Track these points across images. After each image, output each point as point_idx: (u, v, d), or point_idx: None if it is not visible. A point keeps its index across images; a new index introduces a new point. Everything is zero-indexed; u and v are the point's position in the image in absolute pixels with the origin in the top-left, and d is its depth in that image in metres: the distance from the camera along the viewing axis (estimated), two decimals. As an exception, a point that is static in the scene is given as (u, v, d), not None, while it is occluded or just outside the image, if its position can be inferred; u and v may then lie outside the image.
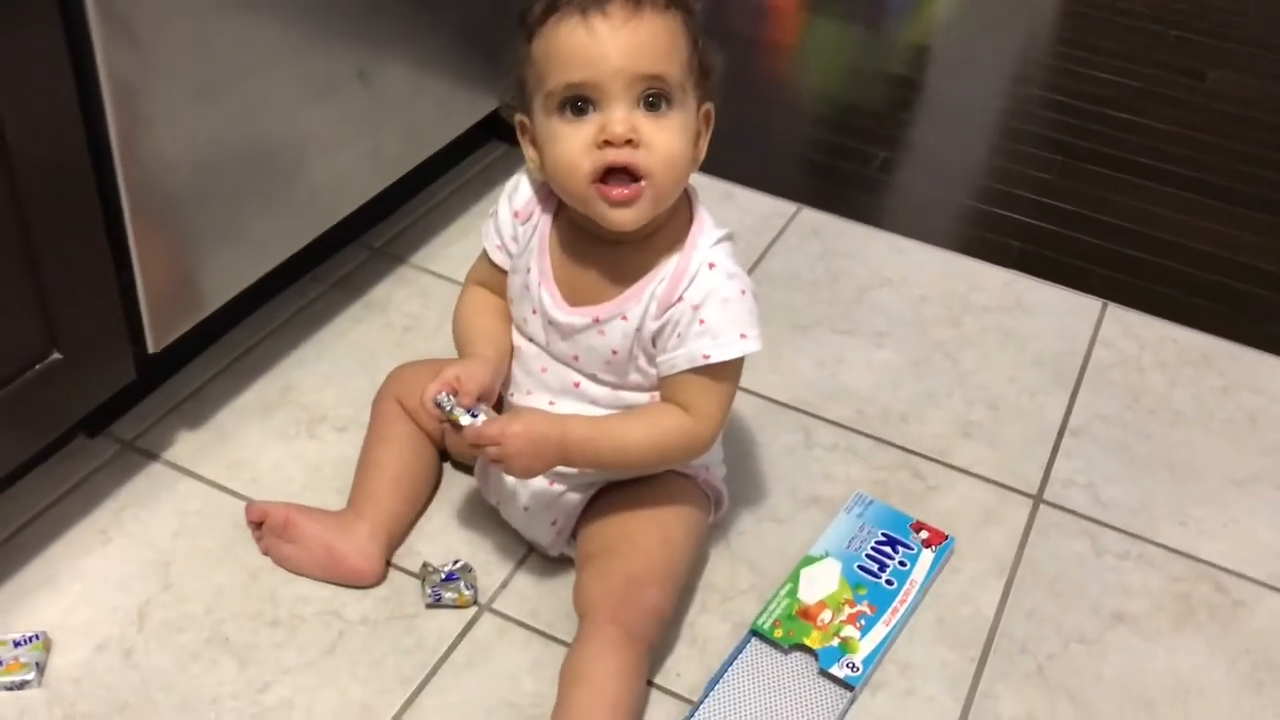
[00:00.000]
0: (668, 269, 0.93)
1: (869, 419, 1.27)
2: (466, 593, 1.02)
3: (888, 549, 1.09)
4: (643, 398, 0.97)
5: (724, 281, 0.92)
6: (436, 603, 1.02)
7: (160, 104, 0.98)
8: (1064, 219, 1.64)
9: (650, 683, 0.98)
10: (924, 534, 1.11)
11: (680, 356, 0.92)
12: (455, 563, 1.04)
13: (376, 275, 1.39)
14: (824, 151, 1.77)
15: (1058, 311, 1.45)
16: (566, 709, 0.90)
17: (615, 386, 0.97)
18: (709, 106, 0.93)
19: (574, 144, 0.87)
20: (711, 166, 1.63)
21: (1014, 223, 1.63)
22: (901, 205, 1.67)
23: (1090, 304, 1.47)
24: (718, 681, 0.97)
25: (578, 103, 0.86)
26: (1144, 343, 1.42)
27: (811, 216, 1.57)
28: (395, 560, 1.06)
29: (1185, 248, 1.60)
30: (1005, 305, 1.45)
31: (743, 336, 0.92)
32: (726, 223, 1.55)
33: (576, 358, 0.96)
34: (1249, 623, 1.09)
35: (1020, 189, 1.70)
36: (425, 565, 1.04)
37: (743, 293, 0.93)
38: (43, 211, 0.90)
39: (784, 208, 1.59)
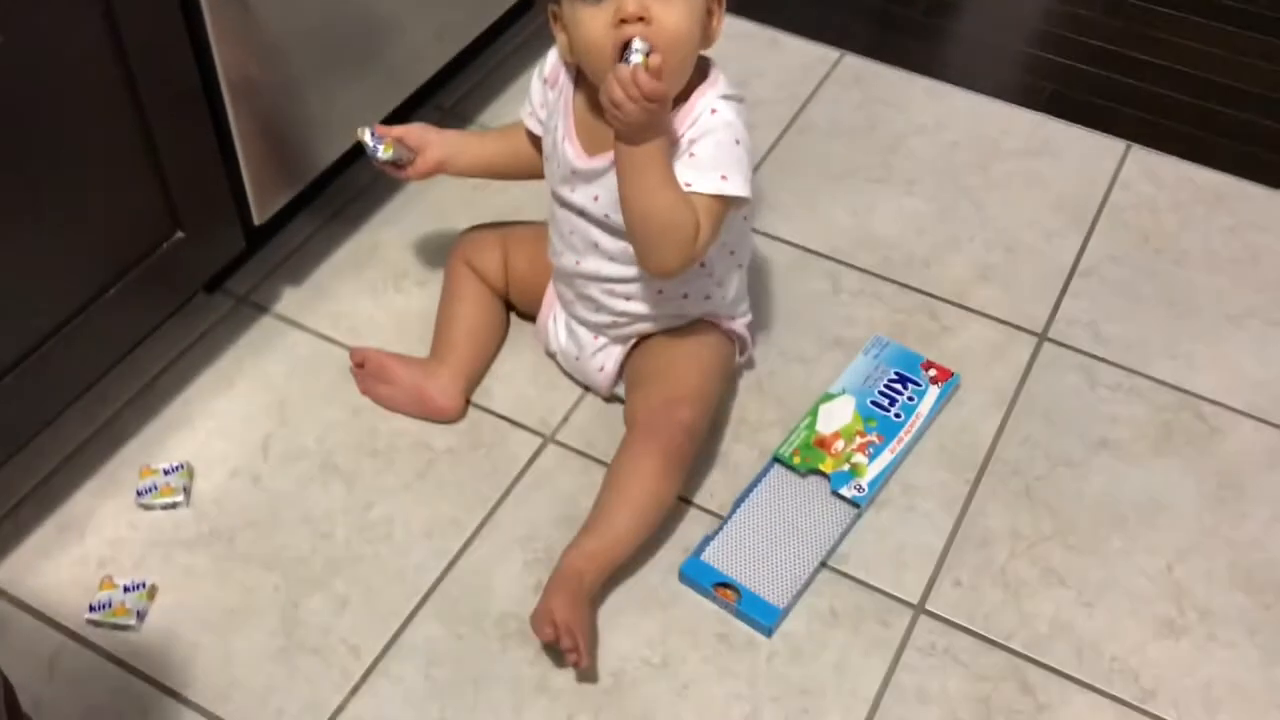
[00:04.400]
0: (675, 115, 1.04)
1: (894, 264, 1.40)
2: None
3: (899, 385, 1.24)
4: None
5: (721, 126, 1.03)
6: None
7: (248, 5, 1.11)
8: (1100, 58, 1.70)
9: (688, 500, 1.16)
10: (932, 372, 1.26)
11: None
12: None
13: (448, 136, 1.52)
14: (871, -7, 1.83)
15: (1082, 154, 1.54)
16: (599, 506, 1.09)
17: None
18: None
19: (595, 25, 0.99)
20: (757, 12, 1.73)
21: (1049, 63, 1.70)
22: (943, 49, 1.74)
23: (1115, 146, 1.55)
24: (744, 500, 1.15)
25: None
26: (1161, 184, 1.51)
27: (854, 63, 1.66)
28: (474, 399, 1.24)
29: (1215, 84, 1.66)
30: (1032, 149, 1.55)
31: (723, 178, 1.02)
32: (770, 71, 1.66)
33: (596, 198, 1.09)
34: (1221, 447, 1.23)
35: (1058, 27, 1.75)
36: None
37: (736, 141, 1.04)
38: (160, 113, 1.05)
39: (827, 54, 1.67)
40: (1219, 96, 1.64)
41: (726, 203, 1.05)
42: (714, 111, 1.04)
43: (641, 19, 0.97)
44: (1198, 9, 1.78)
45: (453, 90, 1.58)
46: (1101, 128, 1.58)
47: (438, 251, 1.35)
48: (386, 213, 1.43)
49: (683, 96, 1.05)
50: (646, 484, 1.09)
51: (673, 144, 1.03)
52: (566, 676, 1.05)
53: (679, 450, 1.10)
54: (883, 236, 1.43)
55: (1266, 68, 1.69)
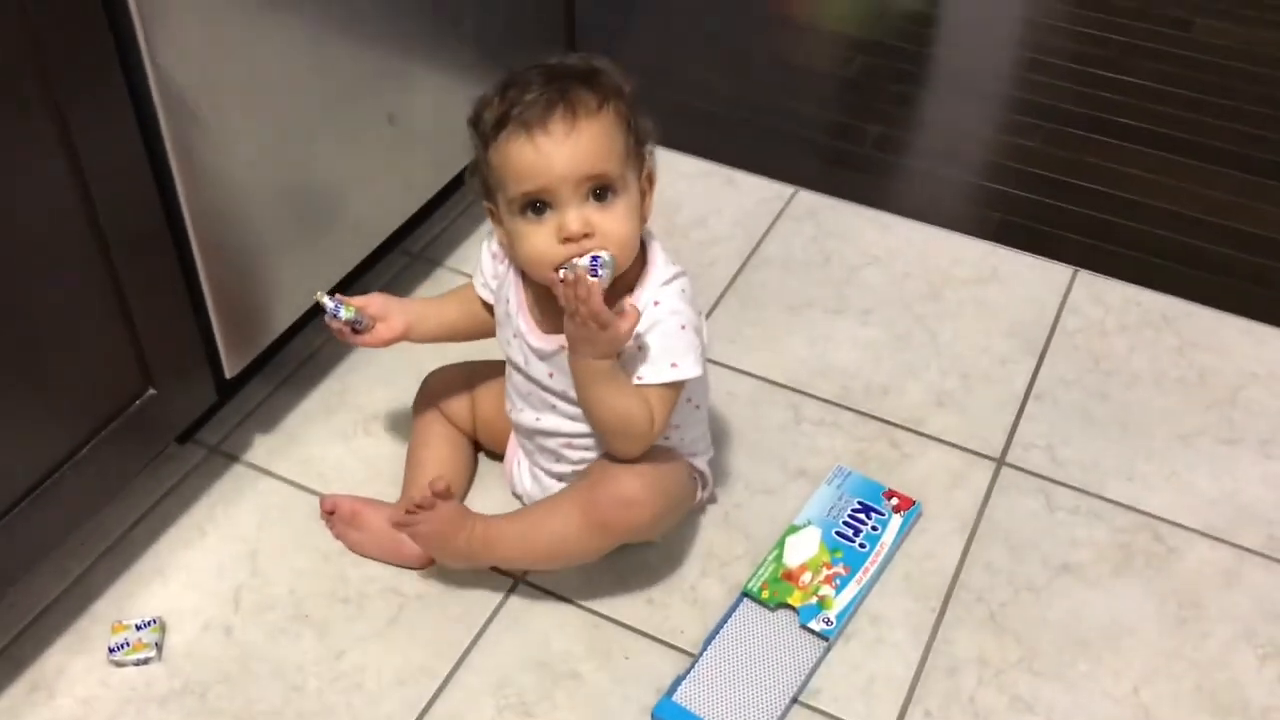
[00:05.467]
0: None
1: (853, 394, 1.43)
2: None
3: (862, 515, 1.26)
4: None
5: (665, 316, 1.07)
6: None
7: (220, 169, 1.15)
8: (1043, 186, 1.77)
9: (658, 638, 1.17)
10: (894, 500, 1.28)
11: None
12: None
13: (416, 280, 1.57)
14: (822, 130, 1.90)
15: (1030, 281, 1.60)
16: (518, 513, 1.17)
17: None
18: (649, 168, 1.08)
19: (538, 241, 1.03)
20: (714, 152, 1.80)
21: (995, 193, 1.76)
22: (892, 182, 1.81)
23: (1062, 272, 1.61)
24: (714, 637, 1.16)
25: (536, 204, 1.02)
26: (1109, 307, 1.56)
27: (807, 198, 1.72)
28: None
29: (1156, 209, 1.73)
30: (982, 277, 1.60)
31: (673, 365, 1.06)
32: (727, 208, 1.72)
33: (551, 375, 1.12)
34: (1179, 567, 1.25)
35: (1003, 158, 1.83)
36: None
37: (682, 328, 1.07)
38: (133, 275, 1.09)
39: (781, 190, 1.73)
40: (1160, 221, 1.71)
41: (680, 385, 1.08)
42: (656, 303, 1.07)
43: (586, 235, 1.01)
44: (1135, 137, 1.86)
45: (419, 236, 1.62)
46: (1048, 254, 1.64)
47: (406, 394, 1.37)
48: (355, 358, 1.46)
49: (626, 287, 1.08)
50: (556, 528, 1.13)
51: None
52: (541, 825, 1.04)
53: (607, 519, 1.10)
54: (841, 366, 1.47)
55: (1203, 192, 1.76)
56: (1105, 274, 1.61)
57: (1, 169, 0.95)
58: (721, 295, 1.56)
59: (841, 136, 1.88)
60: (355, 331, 1.17)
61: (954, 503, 1.31)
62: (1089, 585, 1.24)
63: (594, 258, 1.01)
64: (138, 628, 1.16)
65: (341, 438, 1.37)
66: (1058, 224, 1.70)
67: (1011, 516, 1.30)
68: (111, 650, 1.15)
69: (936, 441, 1.38)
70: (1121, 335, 1.52)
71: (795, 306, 1.55)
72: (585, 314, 0.99)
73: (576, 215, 1.01)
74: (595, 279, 1.00)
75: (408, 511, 1.12)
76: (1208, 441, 1.39)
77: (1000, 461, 1.36)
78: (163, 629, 1.17)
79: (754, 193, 1.73)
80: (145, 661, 1.15)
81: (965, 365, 1.47)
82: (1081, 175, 1.79)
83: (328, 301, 1.15)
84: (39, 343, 1.03)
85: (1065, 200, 1.74)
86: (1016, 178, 1.79)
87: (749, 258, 1.62)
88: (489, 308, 1.20)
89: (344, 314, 1.15)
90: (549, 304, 1.10)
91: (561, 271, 1.01)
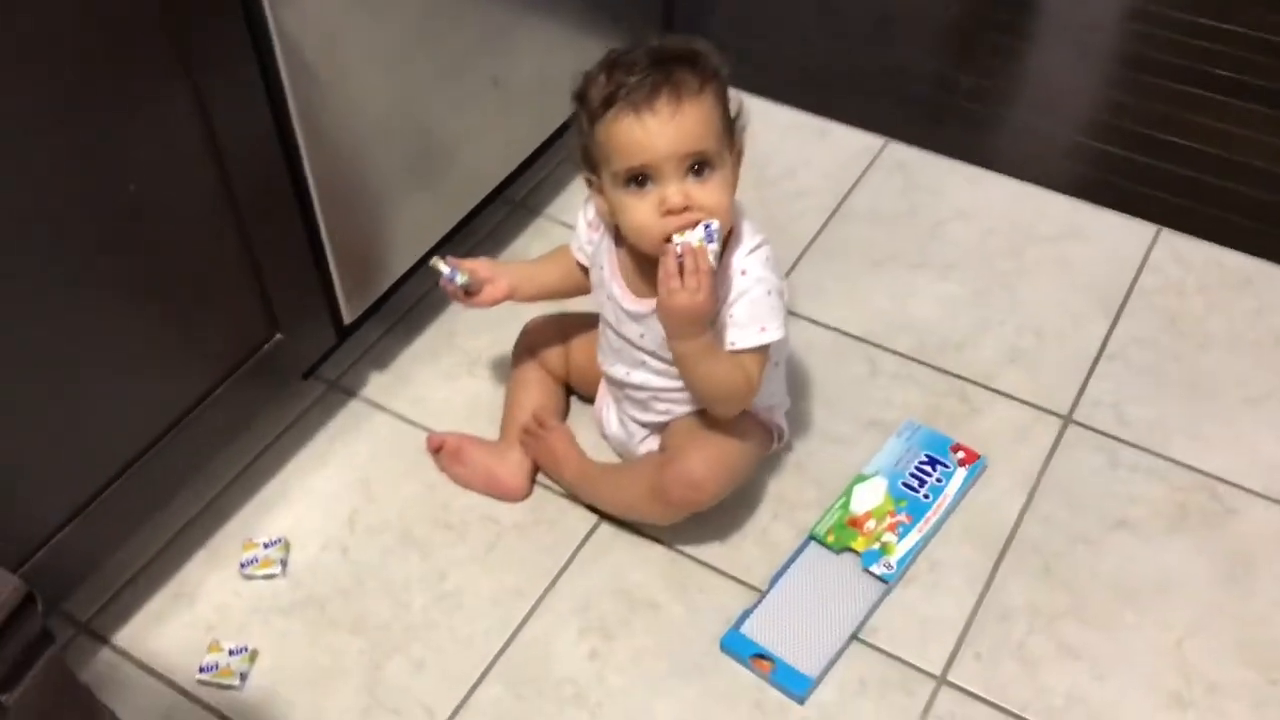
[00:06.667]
0: None
1: (928, 348, 1.50)
2: None
3: (928, 468, 1.34)
4: None
5: (752, 285, 1.15)
6: None
7: (339, 131, 1.25)
8: (1135, 142, 1.78)
9: (729, 575, 1.27)
10: (960, 454, 1.35)
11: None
12: None
13: (517, 228, 1.67)
14: (916, 80, 1.93)
15: (1113, 239, 1.63)
16: (612, 468, 1.32)
17: (670, 361, 1.20)
18: (740, 144, 1.15)
19: (642, 212, 1.10)
20: (808, 102, 1.84)
21: (1086, 148, 1.78)
22: (980, 135, 1.83)
23: (1145, 230, 1.64)
24: (781, 576, 1.26)
25: (639, 178, 1.10)
26: (1190, 267, 1.59)
27: (898, 150, 1.77)
28: (539, 478, 1.37)
29: (1250, 168, 1.73)
30: (1065, 234, 1.64)
31: (762, 329, 1.15)
32: (817, 160, 1.77)
33: (642, 335, 1.20)
34: (1235, 527, 1.31)
35: (1097, 112, 1.84)
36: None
37: (768, 293, 1.15)
38: (261, 231, 1.20)
39: (873, 142, 1.78)
40: (1252, 180, 1.71)
41: (767, 347, 1.16)
42: (744, 273, 1.15)
43: (687, 208, 1.08)
44: (1234, 91, 1.85)
45: (522, 185, 1.71)
46: (1134, 212, 1.66)
47: (507, 340, 1.48)
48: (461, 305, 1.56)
49: None
50: (631, 495, 1.27)
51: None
52: (617, 737, 1.17)
53: (667, 496, 1.22)
54: (919, 321, 1.53)
55: (1297, 149, 1.75)
56: (1190, 234, 1.63)
57: (144, 136, 1.06)
58: (807, 248, 1.63)
59: (936, 87, 1.91)
60: (468, 294, 1.28)
61: (1019, 458, 1.37)
62: (1143, 540, 1.30)
63: (706, 225, 1.09)
64: (265, 546, 1.30)
65: (447, 378, 1.49)
66: (1147, 181, 1.71)
67: (1074, 472, 1.36)
68: (243, 565, 1.29)
69: (1006, 398, 1.44)
70: (1200, 296, 1.55)
71: (878, 260, 1.61)
72: (697, 279, 1.07)
73: (677, 189, 1.09)
74: (710, 245, 1.08)
75: (525, 430, 1.33)
76: (1276, 405, 1.42)
77: (1068, 419, 1.41)
78: (287, 547, 1.31)
79: (845, 144, 1.78)
80: (272, 576, 1.29)
81: (1040, 322, 1.52)
82: (1175, 131, 1.79)
83: (444, 267, 1.25)
84: (181, 296, 1.15)
85: (1156, 157, 1.75)
86: (1109, 133, 1.80)
87: (836, 210, 1.68)
88: (584, 269, 1.30)
89: (459, 278, 1.25)
90: (640, 270, 1.19)
91: (677, 246, 1.09)
